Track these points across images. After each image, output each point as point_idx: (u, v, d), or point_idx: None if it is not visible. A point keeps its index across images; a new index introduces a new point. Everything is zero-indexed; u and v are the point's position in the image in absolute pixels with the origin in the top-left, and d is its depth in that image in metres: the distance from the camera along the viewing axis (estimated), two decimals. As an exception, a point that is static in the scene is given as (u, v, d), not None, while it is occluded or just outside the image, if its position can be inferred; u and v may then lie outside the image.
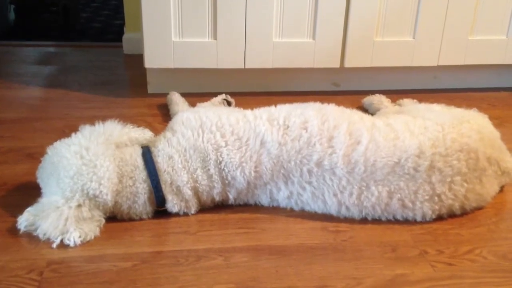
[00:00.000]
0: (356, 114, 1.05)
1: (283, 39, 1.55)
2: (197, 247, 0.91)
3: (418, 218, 0.99)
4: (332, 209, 1.00)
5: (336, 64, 1.61)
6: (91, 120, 1.40)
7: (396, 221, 0.99)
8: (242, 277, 0.84)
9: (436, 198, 0.97)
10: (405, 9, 1.56)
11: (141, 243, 0.91)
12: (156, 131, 1.18)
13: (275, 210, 1.02)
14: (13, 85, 1.67)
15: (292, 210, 1.02)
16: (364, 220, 0.99)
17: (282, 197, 1.02)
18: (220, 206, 1.02)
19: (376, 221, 0.99)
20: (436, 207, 0.98)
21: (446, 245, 0.93)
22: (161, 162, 0.97)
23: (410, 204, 0.97)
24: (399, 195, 0.97)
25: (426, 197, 0.97)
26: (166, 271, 0.84)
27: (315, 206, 1.01)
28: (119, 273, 0.83)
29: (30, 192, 1.03)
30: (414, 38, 1.60)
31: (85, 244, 0.89)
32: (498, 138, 1.07)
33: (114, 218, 0.96)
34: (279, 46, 1.55)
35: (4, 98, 1.56)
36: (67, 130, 1.34)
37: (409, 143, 0.97)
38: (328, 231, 0.96)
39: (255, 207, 1.03)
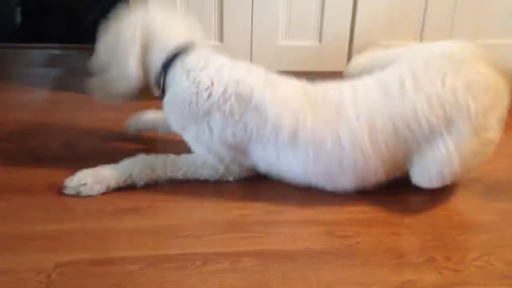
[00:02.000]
0: None
1: (289, 42, 1.55)
2: (203, 250, 0.90)
3: None
4: None
5: (342, 68, 1.61)
6: (98, 123, 1.40)
7: (403, 226, 0.99)
8: (248, 281, 0.83)
9: None
10: (412, 13, 1.56)
11: (148, 246, 0.91)
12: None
13: (281, 214, 1.02)
14: (19, 88, 1.67)
15: (298, 214, 1.02)
16: (371, 225, 0.99)
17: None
18: (224, 209, 1.02)
19: (384, 226, 0.99)
20: None
21: (453, 252, 0.93)
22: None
23: None
24: None
25: None
26: (172, 275, 0.84)
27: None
28: (126, 276, 0.83)
29: (36, 195, 1.03)
30: (420, 42, 1.60)
31: (91, 246, 0.89)
32: None
33: (121, 220, 0.97)
34: (285, 49, 1.55)
35: (10, 100, 1.56)
36: (74, 132, 1.34)
37: None
38: (334, 236, 0.96)
39: (260, 211, 1.03)
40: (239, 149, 1.09)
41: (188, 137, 1.13)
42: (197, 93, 1.07)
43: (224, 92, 1.06)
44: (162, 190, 1.09)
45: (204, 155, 1.11)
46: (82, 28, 2.60)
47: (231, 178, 1.13)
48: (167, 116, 1.15)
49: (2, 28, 2.39)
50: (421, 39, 1.59)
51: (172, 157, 1.11)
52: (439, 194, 1.10)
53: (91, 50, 2.11)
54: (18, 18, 2.61)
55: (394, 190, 1.11)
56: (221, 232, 0.96)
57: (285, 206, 1.05)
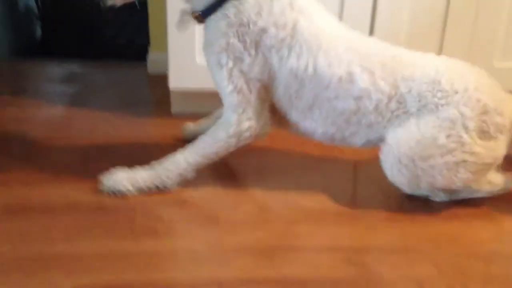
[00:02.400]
0: None
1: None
2: (219, 275, 0.90)
3: None
4: None
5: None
6: (115, 140, 1.41)
7: (422, 254, 0.98)
8: (265, 308, 0.83)
9: None
10: (431, 25, 1.55)
11: (164, 270, 0.91)
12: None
13: (298, 238, 1.02)
14: (37, 103, 1.69)
15: (315, 239, 1.01)
16: (388, 252, 0.98)
17: None
18: (241, 232, 1.02)
19: (402, 254, 0.98)
20: None
21: (473, 282, 0.91)
22: None
23: None
24: None
25: None
26: (189, 300, 0.84)
27: None
28: (143, 301, 0.83)
29: (57, 214, 1.04)
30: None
31: (109, 268, 0.90)
32: None
33: (138, 242, 0.97)
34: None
35: (28, 116, 1.58)
36: (92, 149, 1.35)
37: None
38: (352, 264, 0.95)
39: (277, 235, 1.03)
40: (266, 77, 1.10)
41: (218, 64, 1.10)
42: (257, 13, 1.06)
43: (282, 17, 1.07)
44: (180, 212, 1.09)
45: (223, 87, 1.11)
46: (101, 45, 2.64)
47: (247, 135, 1.12)
48: (208, 31, 1.13)
49: (22, 43, 2.43)
50: (441, 51, 1.57)
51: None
52: (459, 222, 1.09)
53: (109, 67, 2.14)
54: (38, 32, 2.66)
55: (413, 217, 1.11)
56: (237, 257, 0.96)
57: (302, 230, 1.05)
